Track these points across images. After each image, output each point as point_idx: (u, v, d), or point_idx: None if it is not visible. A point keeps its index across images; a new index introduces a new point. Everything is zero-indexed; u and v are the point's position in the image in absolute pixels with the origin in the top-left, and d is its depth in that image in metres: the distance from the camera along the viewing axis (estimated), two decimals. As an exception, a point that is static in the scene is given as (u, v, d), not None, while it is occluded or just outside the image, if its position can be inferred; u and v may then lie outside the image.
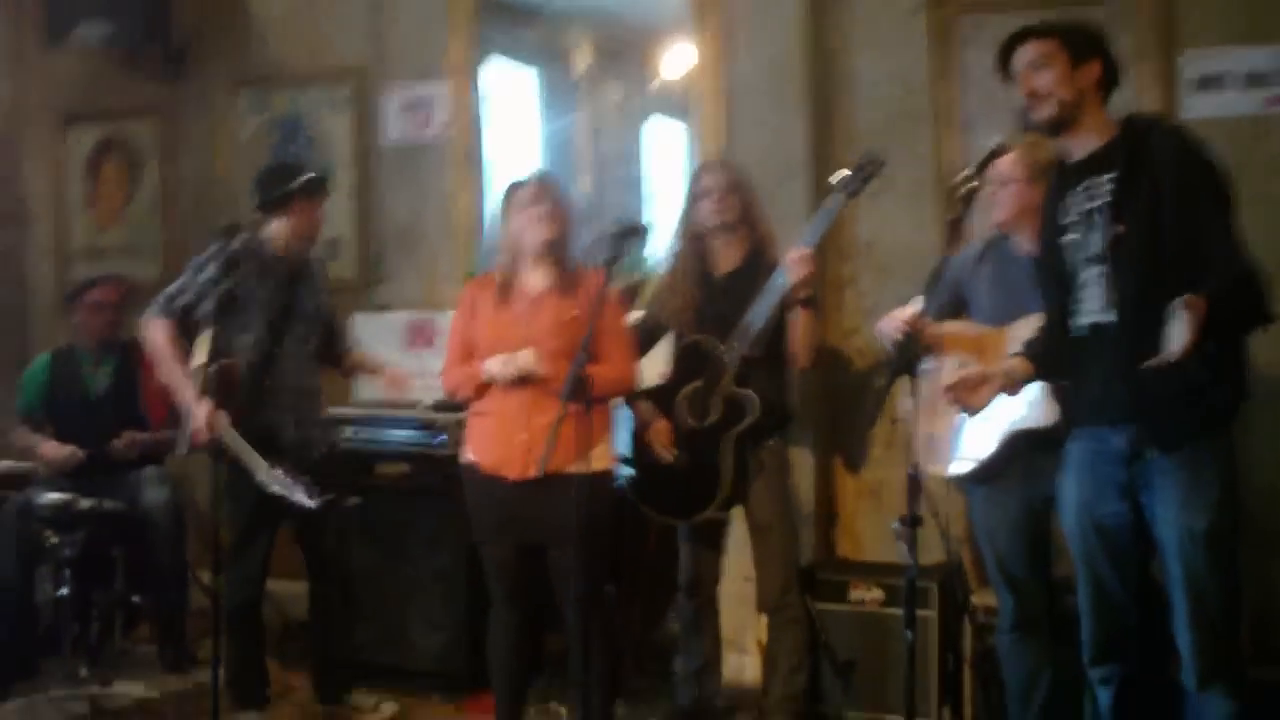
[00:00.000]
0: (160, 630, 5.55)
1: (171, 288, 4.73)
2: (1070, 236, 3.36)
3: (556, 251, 4.24)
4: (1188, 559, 3.19)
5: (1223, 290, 3.01)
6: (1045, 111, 3.31)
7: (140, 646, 5.61)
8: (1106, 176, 3.29)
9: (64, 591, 5.06)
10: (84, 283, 5.75)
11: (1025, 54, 3.35)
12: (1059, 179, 3.46)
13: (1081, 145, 3.35)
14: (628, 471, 4.63)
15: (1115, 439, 3.31)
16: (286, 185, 4.79)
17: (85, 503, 5.19)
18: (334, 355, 5.06)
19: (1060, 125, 3.33)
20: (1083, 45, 3.35)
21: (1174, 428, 3.22)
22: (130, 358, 5.68)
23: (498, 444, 4.18)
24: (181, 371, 4.59)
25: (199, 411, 4.43)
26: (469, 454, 4.31)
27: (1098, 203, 3.30)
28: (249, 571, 4.72)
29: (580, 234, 4.33)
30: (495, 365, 4.15)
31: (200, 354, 4.56)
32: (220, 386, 4.45)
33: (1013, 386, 3.55)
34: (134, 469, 5.55)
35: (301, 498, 4.35)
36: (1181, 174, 3.20)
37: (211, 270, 4.57)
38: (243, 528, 4.71)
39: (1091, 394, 3.37)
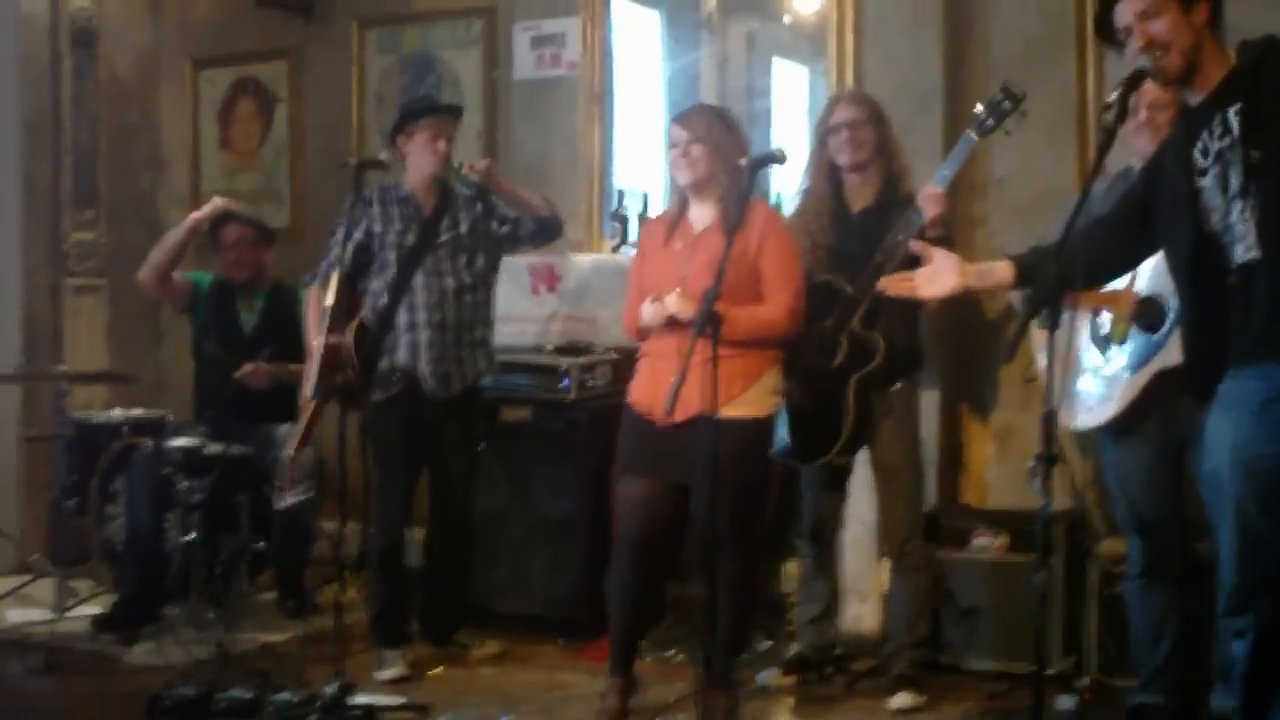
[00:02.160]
0: (282, 578, 5.63)
1: (323, 253, 4.87)
2: (1208, 180, 3.20)
3: (710, 188, 4.18)
4: None
5: None
6: (1171, 62, 3.14)
7: (264, 593, 5.70)
8: (1232, 110, 3.12)
9: (192, 536, 5.11)
10: (219, 221, 5.81)
11: (1133, 4, 3.18)
12: (1186, 123, 3.28)
13: (1203, 85, 3.18)
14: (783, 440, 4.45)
15: (1273, 377, 3.15)
16: (401, 113, 4.84)
17: (213, 447, 5.24)
18: (516, 235, 4.95)
19: (1187, 74, 3.17)
20: None
21: None
22: (280, 299, 5.76)
23: (651, 385, 4.15)
24: (313, 336, 4.79)
25: (308, 375, 4.71)
26: (630, 393, 4.29)
27: (1229, 140, 3.14)
28: (392, 513, 4.79)
29: (727, 163, 4.18)
30: (646, 309, 4.14)
31: (329, 295, 4.64)
32: (330, 360, 4.61)
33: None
34: (271, 419, 5.56)
35: (281, 495, 4.68)
36: None
37: (345, 223, 4.70)
38: (385, 471, 4.78)
39: (1251, 334, 3.20)
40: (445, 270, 4.78)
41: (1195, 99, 3.22)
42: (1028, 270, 3.43)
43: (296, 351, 5.26)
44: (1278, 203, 3.07)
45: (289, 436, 4.68)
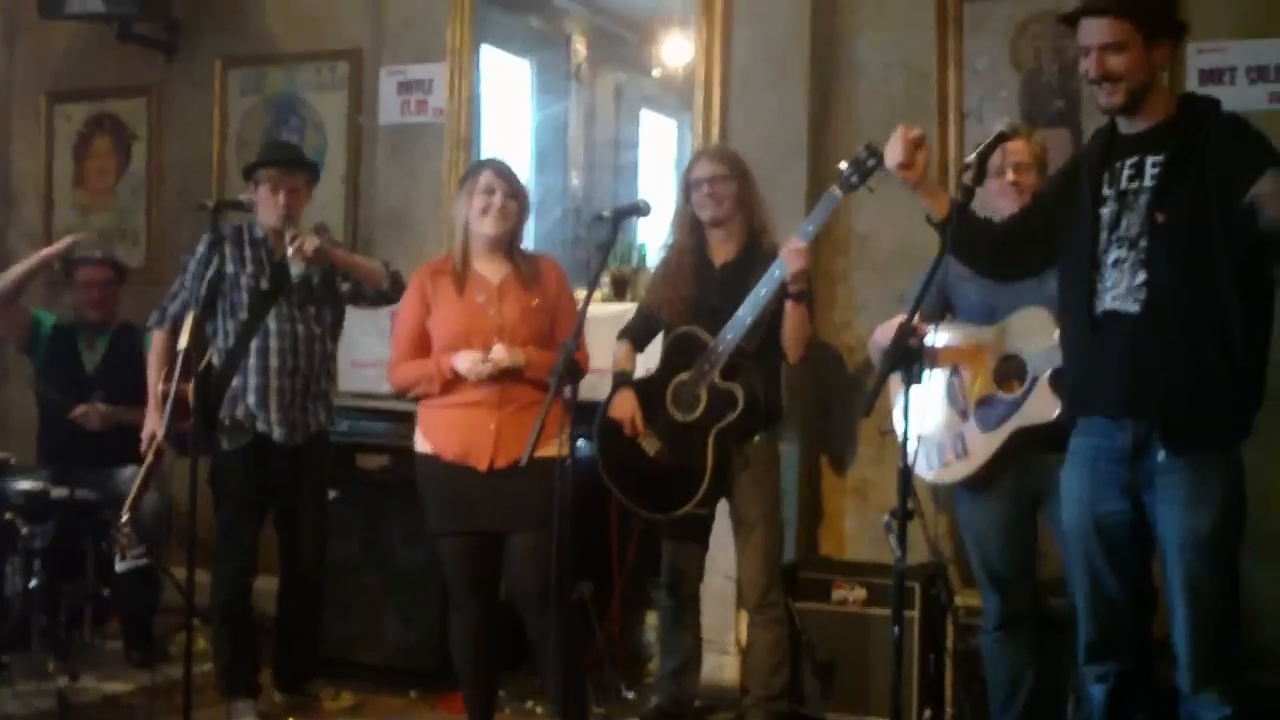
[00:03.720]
0: (129, 626, 5.48)
1: (168, 294, 4.77)
2: (1105, 210, 3.24)
3: (504, 243, 4.20)
4: (1188, 560, 3.11)
5: None
6: (1117, 99, 3.17)
7: (109, 641, 5.53)
8: (1153, 159, 3.16)
9: (34, 583, 4.96)
10: (74, 260, 5.67)
11: (1099, 32, 3.16)
12: (1106, 145, 3.29)
13: (1138, 118, 3.21)
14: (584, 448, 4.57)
15: (1120, 435, 3.21)
16: (256, 160, 4.75)
17: (57, 492, 5.12)
18: (360, 294, 4.80)
19: (1129, 110, 3.20)
20: (1157, 25, 3.18)
21: (1185, 433, 3.13)
22: (125, 339, 5.65)
23: (464, 434, 4.09)
24: (154, 379, 4.71)
25: (149, 420, 4.68)
26: (426, 445, 4.20)
27: (1140, 184, 3.18)
28: (236, 562, 4.67)
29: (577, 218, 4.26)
30: (466, 363, 4.06)
31: (183, 338, 4.50)
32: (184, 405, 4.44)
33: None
34: (115, 463, 5.44)
35: (119, 558, 4.51)
36: (1233, 164, 3.04)
37: (195, 263, 4.57)
38: (228, 520, 4.67)
39: (1102, 384, 3.25)
40: (297, 317, 4.67)
41: (1125, 128, 3.24)
42: (957, 210, 3.36)
43: (138, 394, 5.14)
44: (1169, 270, 3.12)
45: (127, 496, 4.56)
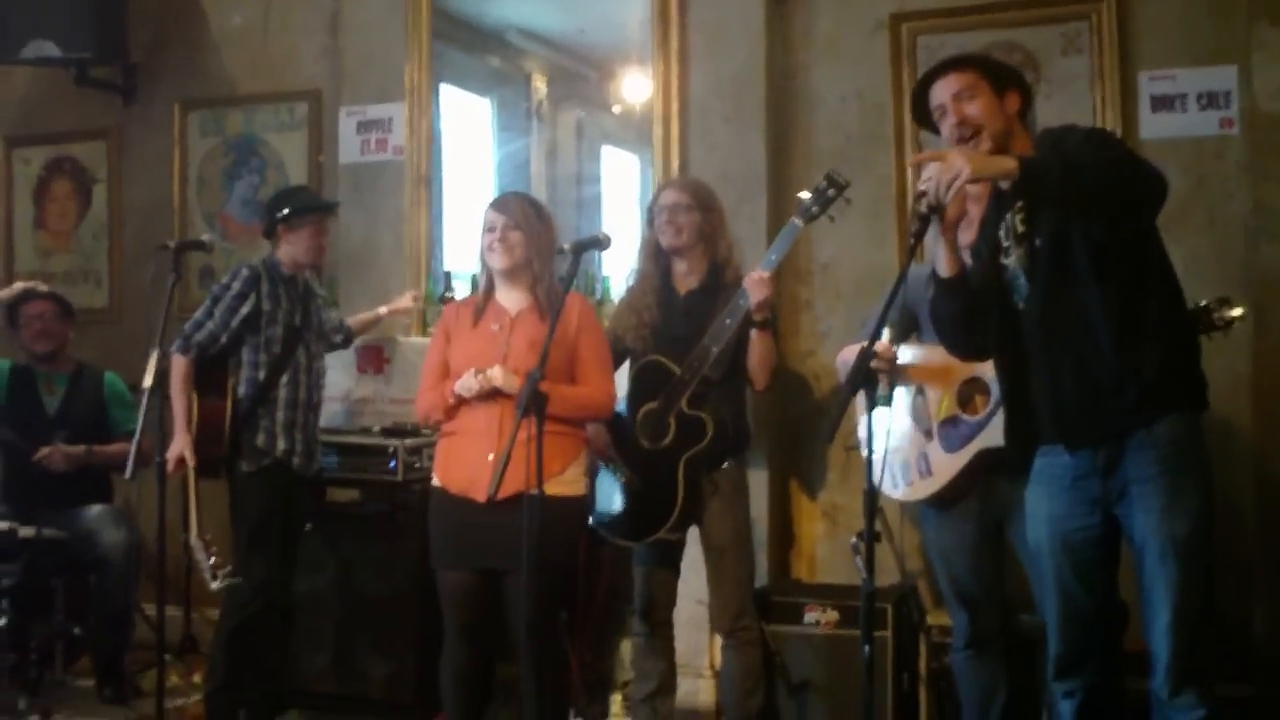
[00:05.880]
0: (100, 663, 5.47)
1: (192, 321, 4.83)
2: (1010, 260, 3.35)
3: (523, 275, 4.20)
4: (1169, 566, 3.16)
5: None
6: (982, 145, 3.28)
7: (81, 679, 5.52)
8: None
9: (2, 622, 4.96)
10: (18, 296, 5.68)
11: (949, 86, 3.33)
12: (995, 201, 3.42)
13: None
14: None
15: (1089, 455, 3.29)
16: (294, 205, 4.93)
17: (25, 531, 5.12)
18: (338, 347, 5.32)
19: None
20: (1002, 76, 3.36)
21: (1133, 455, 3.20)
22: (83, 381, 5.71)
23: (466, 464, 4.11)
24: (181, 405, 4.72)
25: (178, 442, 4.65)
26: (437, 478, 4.23)
27: (1027, 228, 3.30)
28: (257, 585, 4.68)
29: (548, 249, 4.25)
30: (463, 380, 4.09)
31: (147, 377, 4.57)
32: (205, 426, 4.65)
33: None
34: (80, 502, 5.51)
35: (207, 575, 4.47)
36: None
37: (231, 297, 4.75)
38: (256, 541, 4.72)
39: (1045, 417, 3.36)
40: (316, 353, 4.95)
41: (1005, 182, 3.35)
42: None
43: (99, 433, 5.29)
44: (1047, 294, 3.23)
45: (192, 519, 4.57)
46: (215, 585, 4.47)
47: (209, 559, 4.43)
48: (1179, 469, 3.18)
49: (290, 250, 4.88)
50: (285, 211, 4.89)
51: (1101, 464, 3.24)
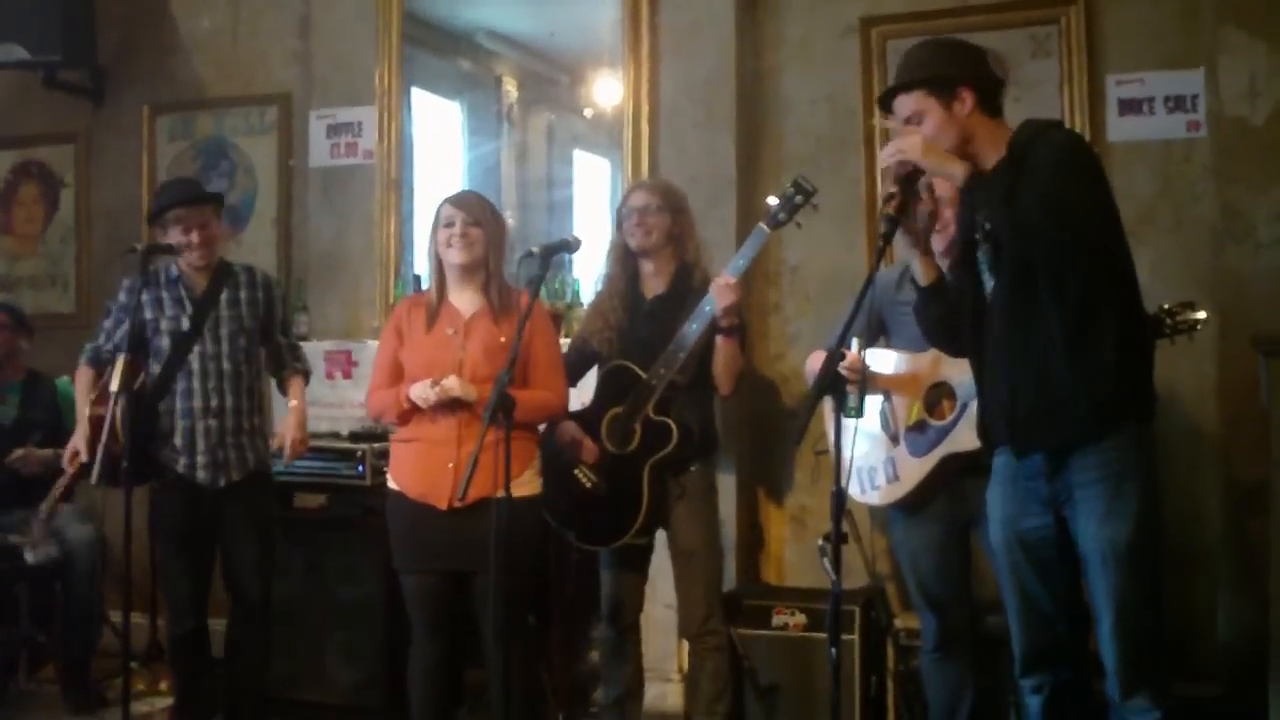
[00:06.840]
0: (66, 670, 5.41)
1: (96, 333, 4.73)
2: (982, 253, 3.34)
3: (478, 274, 4.18)
4: (1110, 571, 3.17)
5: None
6: None
7: (46, 686, 5.49)
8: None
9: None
10: None
11: (902, 108, 3.33)
12: (967, 195, 3.38)
13: (984, 162, 3.29)
14: None
15: (1031, 457, 3.29)
16: (154, 205, 4.73)
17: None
18: (276, 370, 4.88)
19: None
20: (947, 83, 3.29)
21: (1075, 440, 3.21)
22: (35, 388, 5.68)
23: (425, 471, 4.10)
24: (82, 405, 4.63)
25: (74, 439, 4.59)
26: (393, 482, 4.22)
27: (989, 224, 3.29)
28: (177, 602, 4.63)
29: (510, 254, 4.25)
30: (418, 390, 4.06)
31: (115, 380, 4.48)
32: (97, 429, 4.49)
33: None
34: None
35: (28, 551, 4.58)
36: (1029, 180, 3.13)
37: (117, 309, 4.62)
38: (165, 559, 4.66)
39: (996, 418, 3.36)
40: (223, 354, 4.63)
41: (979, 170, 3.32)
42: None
43: (56, 438, 5.21)
44: (1008, 292, 3.24)
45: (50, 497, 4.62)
46: (30, 558, 4.65)
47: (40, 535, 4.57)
48: (1121, 475, 3.17)
49: (178, 242, 4.60)
50: (147, 215, 4.76)
51: (1047, 469, 3.24)
